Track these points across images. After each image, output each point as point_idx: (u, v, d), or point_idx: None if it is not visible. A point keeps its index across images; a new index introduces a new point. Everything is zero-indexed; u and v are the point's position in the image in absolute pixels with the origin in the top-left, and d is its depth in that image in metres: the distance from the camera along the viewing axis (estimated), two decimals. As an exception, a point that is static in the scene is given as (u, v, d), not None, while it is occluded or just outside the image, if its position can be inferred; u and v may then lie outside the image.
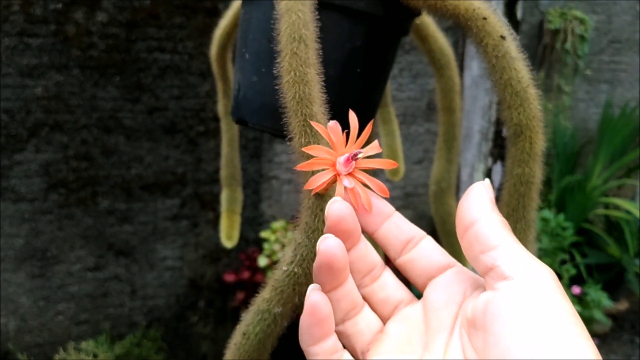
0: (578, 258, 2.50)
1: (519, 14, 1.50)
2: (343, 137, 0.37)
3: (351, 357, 0.37)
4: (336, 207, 0.35)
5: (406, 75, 2.26)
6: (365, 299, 0.39)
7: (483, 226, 0.33)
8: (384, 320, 0.39)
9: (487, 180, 0.36)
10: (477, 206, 0.34)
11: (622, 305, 2.67)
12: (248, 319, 0.40)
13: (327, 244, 0.34)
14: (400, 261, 0.38)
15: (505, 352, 0.29)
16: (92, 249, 1.93)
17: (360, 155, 0.36)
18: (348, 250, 0.37)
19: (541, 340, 0.28)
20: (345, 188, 0.36)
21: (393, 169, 0.84)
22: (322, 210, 0.40)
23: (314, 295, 0.35)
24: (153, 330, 2.04)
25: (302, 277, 0.40)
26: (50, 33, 1.75)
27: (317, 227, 0.40)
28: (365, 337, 0.38)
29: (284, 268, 0.40)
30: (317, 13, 0.48)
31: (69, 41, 1.77)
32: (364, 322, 0.38)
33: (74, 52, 1.78)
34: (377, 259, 0.39)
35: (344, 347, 0.37)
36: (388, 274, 0.39)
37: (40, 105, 1.78)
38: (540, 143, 0.51)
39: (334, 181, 0.37)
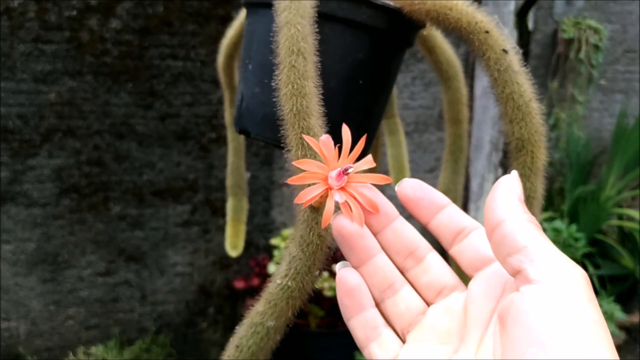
0: (591, 269, 2.48)
1: (530, 24, 1.50)
2: (335, 151, 0.37)
3: (392, 334, 0.38)
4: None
5: (418, 83, 2.26)
6: (411, 283, 0.39)
7: (509, 227, 0.32)
8: (428, 304, 0.39)
9: (514, 172, 0.36)
10: (504, 205, 0.33)
11: (636, 318, 2.63)
12: (241, 332, 0.40)
13: (338, 220, 0.37)
14: (452, 252, 0.39)
15: (521, 357, 0.28)
16: (103, 254, 1.94)
17: (350, 170, 0.36)
18: (381, 229, 0.39)
19: (558, 350, 0.27)
20: (337, 202, 0.36)
21: (398, 181, 0.83)
22: (317, 223, 0.40)
23: (340, 269, 0.38)
24: (162, 336, 2.05)
25: (296, 291, 0.40)
26: (64, 39, 1.77)
27: (312, 241, 0.40)
28: (405, 319, 0.38)
29: (278, 281, 0.40)
30: (320, 25, 0.48)
31: (82, 48, 1.79)
32: (404, 303, 0.38)
33: (87, 59, 1.80)
34: (417, 239, 0.40)
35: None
36: (433, 257, 0.40)
37: (54, 110, 1.80)
38: (542, 158, 0.50)
39: (326, 195, 0.37)
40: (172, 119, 1.92)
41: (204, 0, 1.88)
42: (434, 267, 0.39)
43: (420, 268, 0.39)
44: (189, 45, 1.89)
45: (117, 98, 1.85)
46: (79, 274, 1.93)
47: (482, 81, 1.51)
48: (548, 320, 0.28)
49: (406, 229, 0.39)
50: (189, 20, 1.88)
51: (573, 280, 0.29)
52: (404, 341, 0.38)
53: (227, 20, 1.90)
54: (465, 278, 0.40)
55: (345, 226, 0.37)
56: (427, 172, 2.34)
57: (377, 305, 0.39)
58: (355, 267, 0.38)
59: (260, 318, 0.40)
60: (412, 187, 0.39)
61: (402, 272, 0.39)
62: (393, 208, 0.40)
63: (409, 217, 0.40)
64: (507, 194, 0.34)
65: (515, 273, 0.31)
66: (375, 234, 0.39)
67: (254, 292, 2.06)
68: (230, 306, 2.15)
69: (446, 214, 0.39)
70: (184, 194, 2.00)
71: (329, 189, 0.36)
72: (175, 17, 1.86)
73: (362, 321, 0.38)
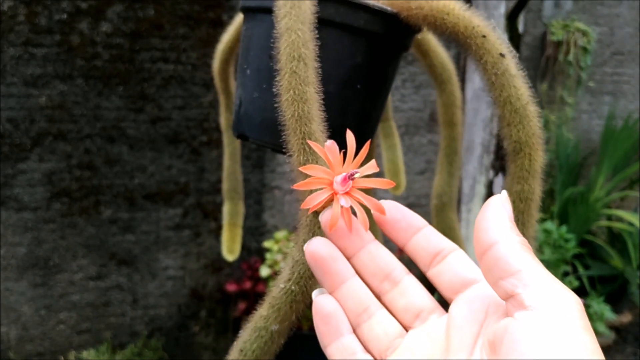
0: (581, 270, 2.50)
1: (520, 27, 1.51)
2: (340, 156, 0.37)
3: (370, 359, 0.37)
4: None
5: (409, 86, 2.27)
6: (387, 307, 0.39)
7: (503, 250, 0.32)
8: (406, 328, 0.38)
9: (504, 192, 0.36)
10: (496, 227, 0.33)
11: (626, 318, 2.65)
12: (245, 336, 0.41)
13: (311, 245, 0.38)
14: (430, 275, 0.38)
15: None
16: (94, 258, 1.94)
17: (357, 175, 0.36)
18: (355, 252, 0.39)
19: None
20: (342, 207, 0.36)
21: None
22: (320, 227, 0.40)
23: (316, 296, 0.38)
24: (154, 339, 2.04)
25: (299, 295, 0.40)
26: (54, 43, 1.76)
27: (315, 245, 0.40)
28: (382, 342, 0.37)
29: (282, 285, 0.40)
30: (317, 30, 0.48)
31: (73, 51, 1.78)
32: (380, 326, 0.38)
33: (78, 62, 1.79)
34: (393, 262, 0.39)
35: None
36: (410, 280, 0.39)
37: (44, 114, 1.79)
38: (539, 160, 0.51)
39: (331, 200, 0.37)
40: (163, 122, 1.92)
41: (195, 3, 1.88)
42: (411, 290, 0.39)
43: (397, 291, 0.39)
44: (179, 49, 1.89)
45: (108, 101, 1.84)
46: (70, 278, 1.92)
47: (473, 84, 1.51)
48: (546, 350, 0.28)
49: (381, 252, 0.39)
50: (180, 24, 1.88)
51: (569, 308, 0.29)
52: None
53: (217, 23, 1.90)
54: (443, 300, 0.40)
55: (318, 250, 0.37)
56: (418, 174, 2.35)
57: (354, 330, 0.38)
58: (330, 292, 0.38)
59: (264, 322, 0.40)
60: (388, 209, 0.39)
61: (378, 296, 0.39)
62: (368, 231, 0.39)
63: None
64: (498, 215, 0.33)
65: (508, 297, 0.31)
66: (350, 257, 0.39)
67: (245, 295, 2.06)
68: (222, 309, 2.14)
69: (423, 236, 0.39)
70: (175, 198, 1.99)
71: (335, 193, 0.37)
72: (166, 20, 1.86)
73: (339, 348, 0.37)
